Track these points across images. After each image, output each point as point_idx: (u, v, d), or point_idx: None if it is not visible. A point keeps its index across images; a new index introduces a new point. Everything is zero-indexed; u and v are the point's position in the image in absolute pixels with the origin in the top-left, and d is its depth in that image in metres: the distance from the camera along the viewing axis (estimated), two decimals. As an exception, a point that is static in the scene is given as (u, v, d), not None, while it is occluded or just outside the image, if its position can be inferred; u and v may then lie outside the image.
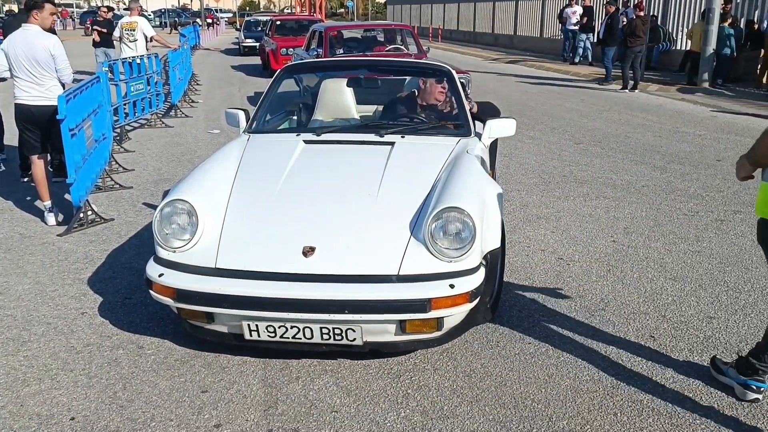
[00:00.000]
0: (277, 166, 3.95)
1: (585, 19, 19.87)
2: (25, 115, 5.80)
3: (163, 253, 3.37)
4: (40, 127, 5.83)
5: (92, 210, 5.88)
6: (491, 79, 17.19)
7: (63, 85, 5.92)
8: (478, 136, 4.58)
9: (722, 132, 10.04)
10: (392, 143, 4.18)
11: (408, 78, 5.56)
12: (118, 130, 9.29)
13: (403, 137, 4.30)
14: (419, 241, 3.27)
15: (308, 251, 3.22)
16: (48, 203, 5.88)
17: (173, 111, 11.80)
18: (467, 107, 4.78)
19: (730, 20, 14.50)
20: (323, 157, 4.15)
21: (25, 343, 3.75)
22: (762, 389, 3.15)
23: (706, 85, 14.51)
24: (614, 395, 3.23)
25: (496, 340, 3.75)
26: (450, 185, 3.55)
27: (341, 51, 11.55)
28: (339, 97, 4.95)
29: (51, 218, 5.84)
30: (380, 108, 5.31)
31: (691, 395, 3.23)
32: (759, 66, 14.68)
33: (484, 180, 3.78)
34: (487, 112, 5.42)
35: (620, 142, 9.28)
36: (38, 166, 5.92)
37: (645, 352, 3.63)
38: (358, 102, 5.08)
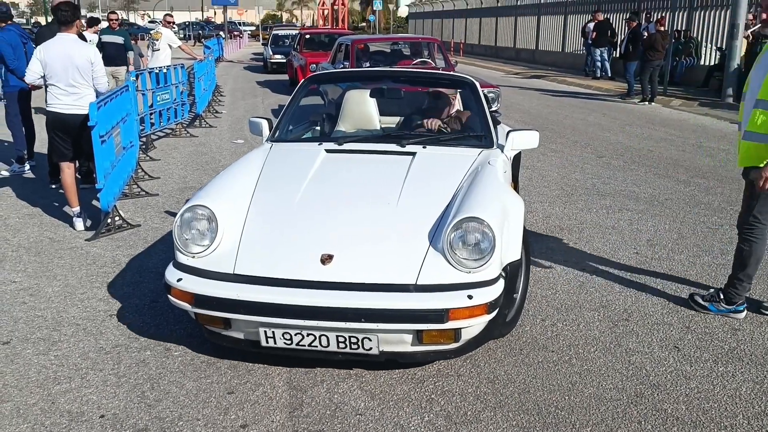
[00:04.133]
0: (298, 174, 3.98)
1: (595, 34, 19.89)
2: (57, 122, 5.92)
3: (182, 258, 3.41)
4: (71, 134, 5.94)
5: (119, 216, 5.98)
6: (514, 92, 17.21)
7: (97, 94, 6.04)
8: (501, 147, 4.58)
9: (746, 147, 9.96)
10: (414, 153, 4.18)
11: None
12: (144, 139, 9.43)
13: (424, 147, 4.31)
14: (438, 251, 3.26)
15: (326, 259, 3.23)
16: (76, 209, 5.99)
17: (198, 121, 11.95)
18: (490, 119, 4.79)
19: None
20: (344, 166, 4.16)
21: (56, 343, 3.83)
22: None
23: (730, 100, 14.42)
24: (638, 404, 3.23)
25: (520, 348, 3.76)
26: (470, 196, 3.55)
27: (368, 64, 11.42)
28: (362, 108, 4.98)
29: (79, 223, 5.95)
30: (403, 119, 5.34)
31: (716, 405, 3.22)
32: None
33: (506, 191, 3.77)
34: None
35: (643, 156, 9.25)
36: (67, 172, 6.03)
37: (669, 362, 3.62)
38: (382, 113, 5.11)
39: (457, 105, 5.16)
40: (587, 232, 5.91)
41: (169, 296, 3.37)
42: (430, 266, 3.21)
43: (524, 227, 3.69)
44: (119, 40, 11.63)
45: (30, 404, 3.22)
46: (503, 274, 3.35)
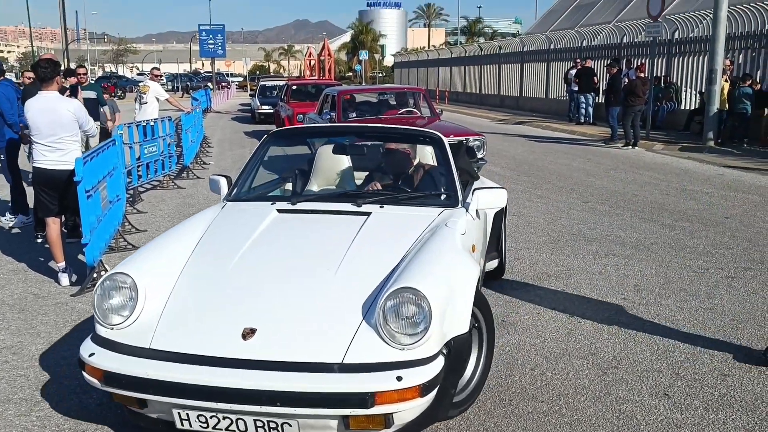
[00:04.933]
0: (240, 238, 3.73)
1: (578, 80, 20.34)
2: (44, 178, 5.93)
3: (101, 331, 3.16)
4: (57, 189, 5.94)
5: (106, 270, 5.94)
6: (499, 139, 17.41)
7: (86, 142, 6.05)
8: (468, 207, 4.27)
9: (729, 190, 10.10)
10: (368, 214, 3.93)
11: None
12: (132, 192, 9.44)
13: (382, 207, 4.05)
14: (371, 326, 2.98)
15: (248, 334, 2.97)
16: (62, 264, 5.95)
17: (185, 172, 11.99)
18: (456, 176, 4.45)
19: (749, 81, 14.80)
20: (291, 229, 3.92)
21: (38, 404, 3.76)
22: None
23: (711, 143, 14.66)
24: (630, 454, 3.19)
25: (509, 399, 3.73)
26: (414, 262, 3.28)
27: (354, 114, 11.49)
28: (334, 164, 4.82)
29: (65, 279, 5.90)
30: (366, 176, 5.02)
31: (707, 454, 3.19)
32: (763, 124, 14.85)
33: (457, 257, 3.47)
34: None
35: (628, 200, 9.34)
36: (53, 227, 6.01)
37: (660, 410, 3.60)
38: (358, 169, 4.93)
39: (432, 160, 4.87)
40: (574, 278, 5.93)
41: (84, 372, 3.09)
42: (360, 343, 2.93)
43: (481, 295, 3.50)
44: (91, 95, 10.66)
45: (10, 468, 3.15)
46: (444, 351, 3.02)
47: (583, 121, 20.58)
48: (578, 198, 9.60)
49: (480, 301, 3.53)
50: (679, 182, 10.81)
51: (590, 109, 20.61)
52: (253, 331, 2.99)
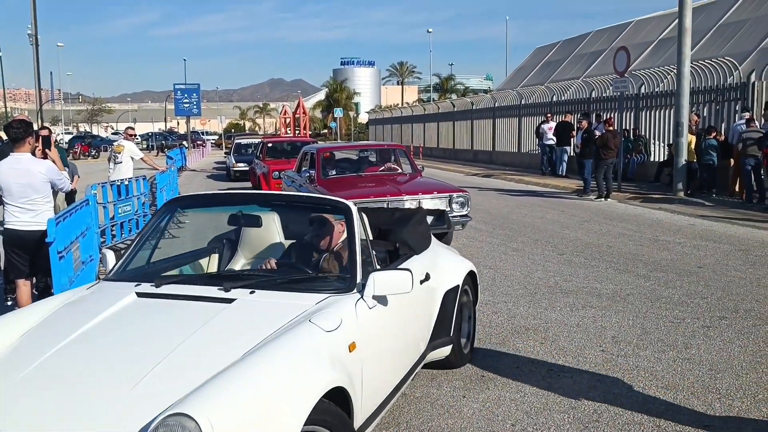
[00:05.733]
0: (66, 330, 3.21)
1: (557, 133, 20.85)
2: (15, 239, 5.85)
3: None
4: (29, 250, 5.86)
5: (77, 332, 5.82)
6: (474, 194, 17.46)
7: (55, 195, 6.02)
8: (363, 292, 3.58)
9: (701, 239, 10.25)
10: (231, 301, 3.39)
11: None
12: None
13: (252, 292, 3.47)
14: None
15: None
16: (32, 327, 5.81)
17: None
18: (359, 255, 3.72)
19: (714, 133, 15.21)
20: (134, 320, 3.36)
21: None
22: None
23: (681, 194, 14.94)
24: None
25: (491, 456, 3.67)
26: (222, 376, 2.64)
27: (334, 172, 11.37)
28: (259, 234, 4.41)
29: (35, 342, 5.76)
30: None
31: (692, 508, 3.15)
32: (730, 175, 15.20)
33: (291, 369, 2.81)
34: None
35: (603, 252, 9.42)
36: (23, 290, 5.91)
37: (642, 464, 3.56)
38: (289, 237, 4.54)
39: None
40: (552, 330, 5.92)
41: None
42: None
43: (333, 409, 2.91)
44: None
45: None
46: None
47: (560, 173, 21.00)
48: (553, 250, 9.67)
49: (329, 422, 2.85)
50: (652, 233, 10.96)
51: (564, 164, 21.04)
52: None
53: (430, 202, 9.32)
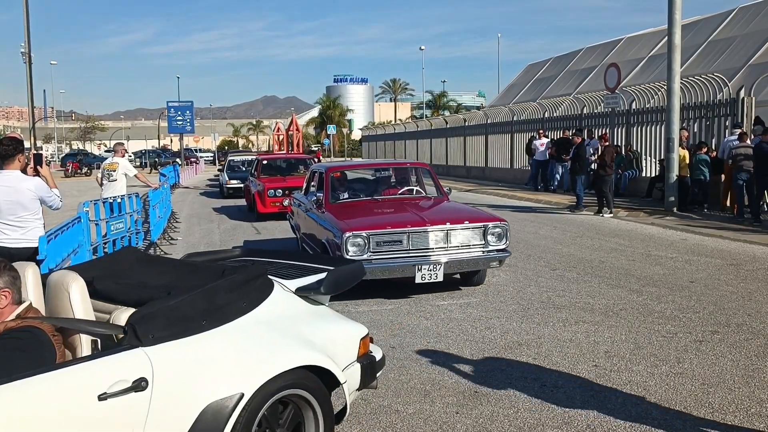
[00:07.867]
0: None
1: (552, 149, 20.98)
2: (5, 257, 5.80)
3: None
4: (19, 268, 5.83)
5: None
6: (466, 209, 17.58)
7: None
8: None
9: (693, 254, 10.28)
10: None
11: None
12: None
13: None
14: None
15: None
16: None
17: (152, 249, 11.86)
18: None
19: (705, 148, 15.32)
20: None
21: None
22: None
23: (674, 209, 15.00)
24: None
25: (484, 472, 3.66)
26: None
27: (346, 195, 9.61)
28: None
29: (25, 360, 5.72)
30: None
31: None
32: (721, 190, 15.29)
33: None
34: None
35: (595, 267, 9.44)
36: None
37: (635, 479, 3.56)
38: None
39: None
40: (545, 346, 5.92)
41: None
42: None
43: None
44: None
45: None
46: None
47: (555, 188, 21.12)
48: (546, 265, 9.68)
49: None
50: (644, 248, 10.99)
51: (557, 176, 21.18)
52: None
53: (460, 233, 7.80)
